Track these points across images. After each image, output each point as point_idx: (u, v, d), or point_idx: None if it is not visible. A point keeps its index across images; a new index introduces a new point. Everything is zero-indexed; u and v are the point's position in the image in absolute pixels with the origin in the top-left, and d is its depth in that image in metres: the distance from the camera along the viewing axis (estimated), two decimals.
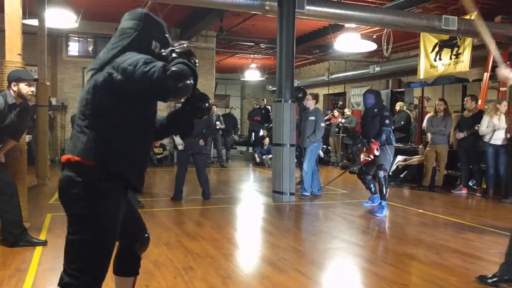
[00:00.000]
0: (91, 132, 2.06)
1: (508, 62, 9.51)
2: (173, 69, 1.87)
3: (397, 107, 11.50)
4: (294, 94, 7.60)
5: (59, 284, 2.16)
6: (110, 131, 2.08)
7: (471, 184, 8.68)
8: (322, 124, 7.69)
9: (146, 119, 2.21)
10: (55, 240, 4.67)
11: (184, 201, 7.14)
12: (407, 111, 11.78)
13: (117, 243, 2.38)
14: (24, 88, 4.29)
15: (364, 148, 6.54)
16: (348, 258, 4.42)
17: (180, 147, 7.04)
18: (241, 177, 11.21)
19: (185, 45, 2.09)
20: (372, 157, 6.42)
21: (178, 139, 7.06)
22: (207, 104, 2.17)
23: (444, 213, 6.68)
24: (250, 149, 15.68)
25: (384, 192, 6.41)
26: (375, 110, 6.50)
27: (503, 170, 7.77)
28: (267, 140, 13.04)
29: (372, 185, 6.89)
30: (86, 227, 2.09)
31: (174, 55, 2.02)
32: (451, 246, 4.81)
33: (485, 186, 8.22)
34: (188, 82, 1.90)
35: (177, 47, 2.07)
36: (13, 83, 4.27)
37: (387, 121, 6.44)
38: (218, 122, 12.67)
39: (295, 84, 9.17)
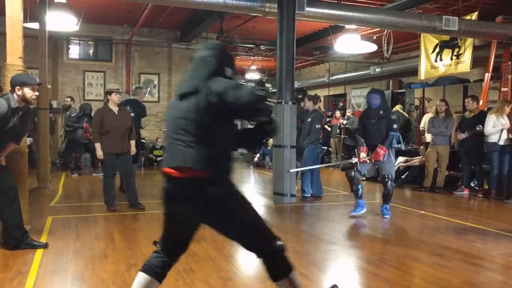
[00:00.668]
0: (197, 146, 2.39)
1: (510, 63, 9.55)
2: (260, 93, 2.31)
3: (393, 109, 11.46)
4: (295, 95, 7.60)
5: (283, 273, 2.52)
6: (213, 144, 2.42)
7: (472, 185, 8.66)
8: (317, 126, 7.58)
9: (232, 132, 2.57)
10: (55, 242, 4.68)
11: None
12: (403, 112, 11.81)
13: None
14: (29, 92, 4.31)
15: (365, 149, 6.10)
16: (350, 259, 4.41)
17: None
18: (241, 178, 11.20)
19: (259, 76, 2.33)
20: (372, 160, 6.08)
21: None
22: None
23: (446, 214, 6.66)
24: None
25: (389, 200, 6.26)
26: (381, 112, 6.00)
27: (507, 170, 7.76)
28: (271, 141, 13.02)
29: (360, 187, 6.28)
30: (237, 214, 2.55)
31: (251, 84, 2.40)
32: (454, 247, 4.79)
33: (487, 187, 8.20)
34: (270, 104, 2.39)
35: (253, 78, 2.55)
36: (17, 87, 4.28)
37: (395, 126, 6.02)
38: None
39: (296, 86, 9.17)
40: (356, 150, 6.39)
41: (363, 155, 6.12)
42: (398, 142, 6.11)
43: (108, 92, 6.54)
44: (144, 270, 2.71)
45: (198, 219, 2.63)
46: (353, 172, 6.21)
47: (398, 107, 12.19)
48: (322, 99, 18.04)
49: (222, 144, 2.48)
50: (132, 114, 7.46)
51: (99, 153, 6.36)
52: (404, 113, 11.92)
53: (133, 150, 6.60)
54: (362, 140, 6.21)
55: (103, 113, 6.42)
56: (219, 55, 2.57)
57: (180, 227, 2.69)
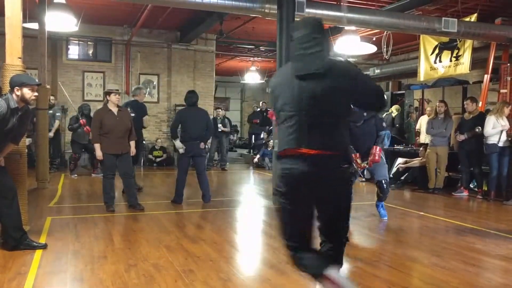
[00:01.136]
0: (337, 129, 2.56)
1: (509, 64, 9.56)
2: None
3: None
4: None
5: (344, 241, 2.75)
6: (345, 128, 2.65)
7: (472, 186, 8.66)
8: None
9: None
10: (55, 243, 4.67)
11: (184, 204, 7.13)
12: (396, 113, 11.86)
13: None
14: (28, 93, 4.31)
15: (358, 155, 5.88)
16: (349, 260, 4.41)
17: (181, 150, 7.03)
18: (241, 180, 11.20)
19: None
20: (371, 164, 5.95)
21: (178, 143, 7.06)
22: None
23: (445, 216, 6.66)
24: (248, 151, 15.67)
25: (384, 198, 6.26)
26: (364, 114, 5.85)
27: (506, 171, 7.77)
28: (271, 142, 13.03)
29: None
30: (349, 200, 2.73)
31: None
32: (453, 248, 4.80)
33: (486, 188, 8.20)
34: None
35: None
36: (17, 87, 4.28)
37: (384, 124, 6.06)
38: (221, 125, 12.67)
39: None
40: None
41: (359, 161, 5.97)
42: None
43: (107, 93, 6.52)
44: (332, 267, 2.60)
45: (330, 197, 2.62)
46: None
47: (394, 108, 12.21)
48: None
49: (347, 128, 2.73)
50: (133, 115, 7.51)
51: (99, 153, 6.35)
52: (392, 115, 11.96)
53: (132, 151, 6.60)
54: (351, 147, 5.92)
55: (102, 114, 6.41)
56: (325, 33, 2.71)
57: (310, 213, 2.64)
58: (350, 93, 2.56)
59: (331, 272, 2.49)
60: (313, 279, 2.69)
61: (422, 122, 9.87)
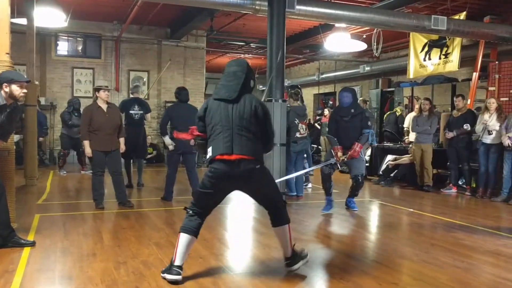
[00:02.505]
0: (256, 140, 3.58)
1: (497, 62, 9.64)
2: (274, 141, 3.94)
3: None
4: (290, 92, 7.68)
5: (285, 220, 3.76)
6: (259, 140, 3.62)
7: (460, 183, 8.74)
8: (296, 122, 7.50)
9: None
10: (43, 241, 4.63)
11: (174, 201, 7.11)
12: (397, 111, 11.87)
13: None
14: (16, 89, 4.26)
15: (340, 148, 6.14)
16: (339, 257, 4.43)
17: (171, 147, 7.01)
18: None
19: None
20: (349, 158, 6.11)
21: (167, 139, 7.03)
22: None
23: (434, 212, 6.71)
24: None
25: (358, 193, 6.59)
26: (352, 110, 6.19)
27: (492, 168, 7.83)
28: None
29: (332, 185, 6.47)
30: (271, 179, 3.84)
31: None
32: (442, 245, 4.83)
33: (474, 185, 8.28)
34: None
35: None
36: (5, 84, 4.23)
37: (369, 123, 6.23)
38: None
39: (286, 84, 9.20)
40: (332, 150, 6.34)
41: (340, 154, 6.17)
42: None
43: (96, 89, 6.45)
44: (185, 231, 3.60)
45: (243, 187, 3.69)
46: (329, 170, 6.36)
47: (398, 108, 12.18)
48: (312, 97, 18.13)
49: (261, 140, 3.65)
50: (141, 112, 8.23)
51: (88, 150, 6.30)
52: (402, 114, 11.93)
53: (122, 148, 6.56)
54: (335, 139, 6.26)
55: (92, 111, 6.35)
56: (247, 71, 3.63)
57: (222, 195, 3.68)
58: (258, 122, 3.58)
59: (184, 235, 3.61)
60: None
61: (411, 120, 9.92)
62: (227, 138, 3.46)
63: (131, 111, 8.31)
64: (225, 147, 3.45)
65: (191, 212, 3.62)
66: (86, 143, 6.29)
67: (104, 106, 6.37)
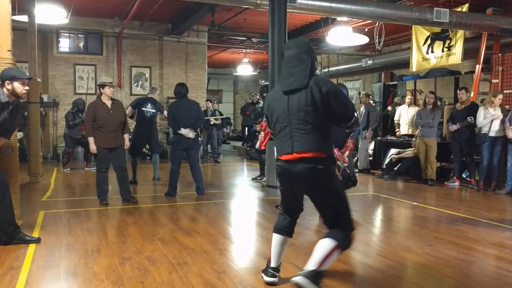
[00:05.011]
0: (322, 134, 3.01)
1: (500, 55, 9.60)
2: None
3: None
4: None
5: (348, 230, 3.07)
6: (327, 132, 3.05)
7: (464, 176, 8.72)
8: None
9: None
10: (48, 237, 4.65)
11: (178, 196, 7.12)
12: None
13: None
14: (18, 87, 4.27)
15: (336, 149, 6.07)
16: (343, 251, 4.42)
17: (191, 135, 6.97)
18: (235, 172, 11.20)
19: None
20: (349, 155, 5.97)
21: (184, 130, 6.93)
22: None
23: (438, 205, 6.70)
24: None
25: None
26: None
27: (496, 161, 7.81)
28: (262, 134, 13.02)
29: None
30: (339, 191, 3.11)
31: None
32: (445, 238, 4.83)
33: (478, 178, 8.26)
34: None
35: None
36: (7, 81, 4.24)
37: (356, 113, 6.21)
38: (212, 118, 12.64)
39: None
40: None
41: (345, 156, 6.03)
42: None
43: (101, 86, 6.42)
44: (276, 231, 3.36)
45: (313, 187, 3.10)
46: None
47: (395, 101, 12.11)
48: None
49: (330, 132, 3.10)
50: (153, 110, 8.52)
51: (93, 147, 6.29)
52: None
53: (126, 144, 6.56)
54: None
55: (95, 107, 6.33)
56: (311, 52, 3.14)
57: (298, 194, 3.28)
58: (326, 105, 2.96)
59: (276, 235, 3.36)
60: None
61: (402, 113, 9.89)
62: (286, 136, 3.06)
63: (143, 108, 8.51)
64: (286, 146, 3.06)
65: (280, 210, 3.42)
66: (91, 140, 6.28)
67: (108, 103, 6.35)
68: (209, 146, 13.14)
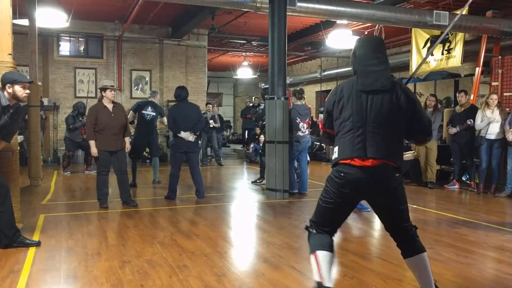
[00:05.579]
0: (397, 141, 2.83)
1: (500, 57, 9.61)
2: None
3: None
4: (294, 91, 7.70)
5: (421, 247, 2.93)
6: (401, 142, 2.89)
7: (464, 179, 8.72)
8: (297, 120, 7.47)
9: None
10: (48, 240, 4.65)
11: (178, 200, 7.12)
12: None
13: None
14: (19, 90, 4.29)
15: None
16: (343, 254, 4.43)
17: (191, 138, 6.97)
18: (234, 175, 11.20)
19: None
20: None
21: (184, 134, 6.93)
22: None
23: (438, 208, 6.70)
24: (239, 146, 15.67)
25: None
26: None
27: (496, 164, 7.81)
28: (262, 137, 13.04)
29: None
30: (405, 199, 2.89)
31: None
32: (445, 241, 4.83)
33: (478, 181, 8.26)
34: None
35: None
36: (8, 85, 4.25)
37: None
38: (212, 121, 12.65)
39: (288, 82, 9.24)
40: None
41: None
42: None
43: (102, 89, 6.43)
44: (317, 248, 2.84)
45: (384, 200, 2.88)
46: None
47: None
48: (314, 95, 18.12)
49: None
50: (154, 113, 8.56)
51: (94, 150, 6.30)
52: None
53: (127, 147, 6.57)
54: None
55: (97, 110, 6.34)
56: (385, 50, 2.96)
57: (348, 209, 2.94)
58: (408, 114, 2.79)
59: (321, 252, 2.82)
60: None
61: None
62: (359, 138, 2.75)
63: (143, 111, 8.55)
64: (357, 148, 2.75)
65: (314, 231, 2.92)
66: (92, 143, 6.29)
67: (109, 106, 6.37)
68: (208, 149, 13.15)
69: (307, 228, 2.97)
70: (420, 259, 2.90)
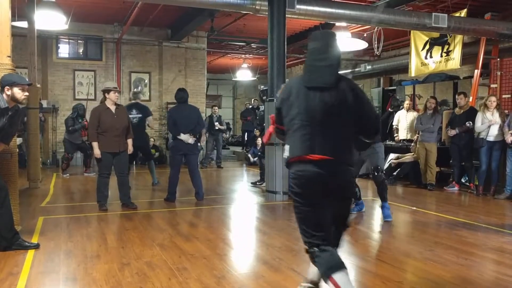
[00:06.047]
0: (346, 138, 2.74)
1: (498, 59, 9.62)
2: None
3: None
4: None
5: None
6: (352, 138, 2.80)
7: (463, 181, 8.72)
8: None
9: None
10: (47, 243, 4.64)
11: (177, 202, 7.11)
12: None
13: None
14: (18, 92, 4.28)
15: None
16: (343, 256, 4.40)
17: (191, 140, 6.96)
18: (234, 177, 11.20)
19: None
20: None
21: (184, 136, 6.93)
22: None
23: (437, 210, 6.70)
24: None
25: (386, 195, 5.90)
26: None
27: (495, 165, 7.82)
28: (259, 140, 13.03)
29: (357, 189, 6.17)
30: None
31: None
32: (445, 242, 4.83)
33: (477, 183, 8.26)
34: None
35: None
36: (7, 87, 4.25)
37: None
38: (217, 123, 12.67)
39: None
40: None
41: None
42: None
43: (106, 91, 6.43)
44: (333, 270, 2.62)
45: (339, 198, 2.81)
46: None
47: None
48: None
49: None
50: (140, 115, 8.40)
51: (97, 152, 6.29)
52: None
53: (130, 149, 6.57)
54: None
55: (100, 112, 6.35)
56: (336, 43, 2.85)
57: (325, 211, 2.74)
58: (355, 111, 2.72)
59: (337, 275, 2.57)
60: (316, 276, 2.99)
61: (400, 118, 9.90)
62: (307, 136, 2.70)
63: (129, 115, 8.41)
64: (306, 146, 2.69)
65: (316, 249, 2.69)
66: (95, 145, 6.29)
67: (112, 107, 6.38)
68: (214, 151, 13.08)
69: (307, 251, 2.75)
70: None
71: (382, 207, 6.00)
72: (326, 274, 2.63)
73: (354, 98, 2.70)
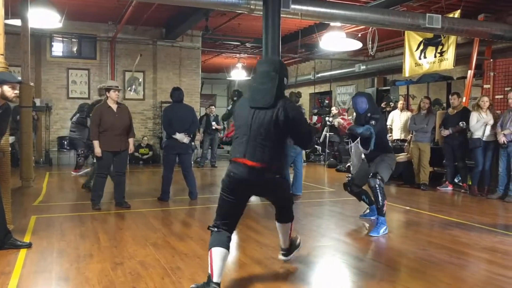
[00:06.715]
0: (276, 149, 3.32)
1: (491, 60, 9.67)
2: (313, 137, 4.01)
3: None
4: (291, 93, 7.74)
5: (290, 218, 3.89)
6: (282, 148, 3.38)
7: (456, 181, 8.76)
8: None
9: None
10: (39, 242, 4.62)
11: (171, 201, 7.10)
12: None
13: None
14: (8, 90, 4.25)
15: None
16: (337, 256, 4.43)
17: (186, 140, 6.94)
18: None
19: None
20: (343, 122, 5.73)
21: (179, 135, 6.92)
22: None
23: (431, 210, 6.73)
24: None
25: (381, 205, 5.31)
26: (368, 115, 5.38)
27: (489, 166, 7.87)
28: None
29: (364, 196, 5.92)
30: (286, 192, 3.81)
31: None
32: (438, 242, 4.85)
33: (470, 183, 8.31)
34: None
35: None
36: None
37: (373, 122, 5.33)
38: (214, 123, 12.65)
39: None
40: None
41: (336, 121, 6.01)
42: (386, 145, 5.71)
43: (107, 89, 6.42)
44: (214, 245, 3.27)
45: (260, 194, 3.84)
46: (348, 188, 5.88)
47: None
48: (308, 97, 18.16)
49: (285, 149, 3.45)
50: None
51: (98, 150, 6.27)
52: None
53: (131, 148, 6.56)
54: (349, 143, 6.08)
55: (101, 111, 6.34)
56: (280, 70, 3.38)
57: (242, 204, 3.47)
58: (285, 128, 3.27)
59: (214, 249, 3.26)
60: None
61: (394, 118, 9.94)
62: (243, 144, 3.30)
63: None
64: (240, 151, 3.31)
65: (216, 229, 3.36)
66: (96, 143, 6.27)
67: (114, 106, 6.37)
68: (209, 151, 13.01)
69: (209, 228, 3.40)
70: (286, 226, 3.86)
71: (376, 219, 5.54)
72: (209, 247, 3.28)
73: (284, 119, 3.22)
